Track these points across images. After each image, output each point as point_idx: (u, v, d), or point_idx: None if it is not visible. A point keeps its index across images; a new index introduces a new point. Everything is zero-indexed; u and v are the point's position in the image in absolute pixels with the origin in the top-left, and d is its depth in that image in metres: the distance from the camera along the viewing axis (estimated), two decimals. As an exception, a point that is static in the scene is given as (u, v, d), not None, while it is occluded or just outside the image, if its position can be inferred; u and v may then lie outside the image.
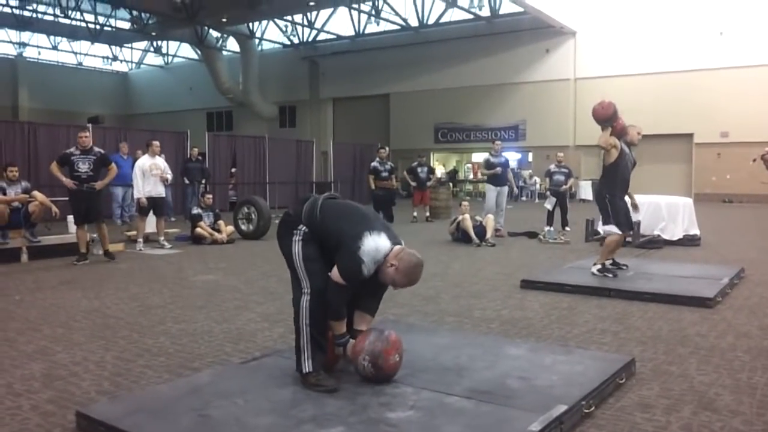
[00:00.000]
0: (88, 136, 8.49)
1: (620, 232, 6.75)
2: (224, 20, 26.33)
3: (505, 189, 11.69)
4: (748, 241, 10.74)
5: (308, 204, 3.41)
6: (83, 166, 8.27)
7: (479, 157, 29.21)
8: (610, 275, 6.61)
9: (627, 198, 6.99)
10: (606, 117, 6.56)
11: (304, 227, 3.36)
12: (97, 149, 8.61)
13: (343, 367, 3.54)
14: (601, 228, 7.77)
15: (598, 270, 6.70)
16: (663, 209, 10.09)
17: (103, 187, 8.81)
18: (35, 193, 8.64)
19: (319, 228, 3.35)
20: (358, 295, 3.44)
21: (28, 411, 3.19)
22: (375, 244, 3.19)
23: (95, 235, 8.74)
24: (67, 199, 8.73)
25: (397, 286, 3.32)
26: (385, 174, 12.86)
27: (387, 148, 14.57)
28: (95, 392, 3.47)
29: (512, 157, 22.34)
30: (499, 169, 11.37)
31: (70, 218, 10.12)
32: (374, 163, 13.38)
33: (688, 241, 9.97)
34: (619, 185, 6.80)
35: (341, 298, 3.30)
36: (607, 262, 6.87)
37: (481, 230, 10.21)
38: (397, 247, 3.28)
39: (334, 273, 3.22)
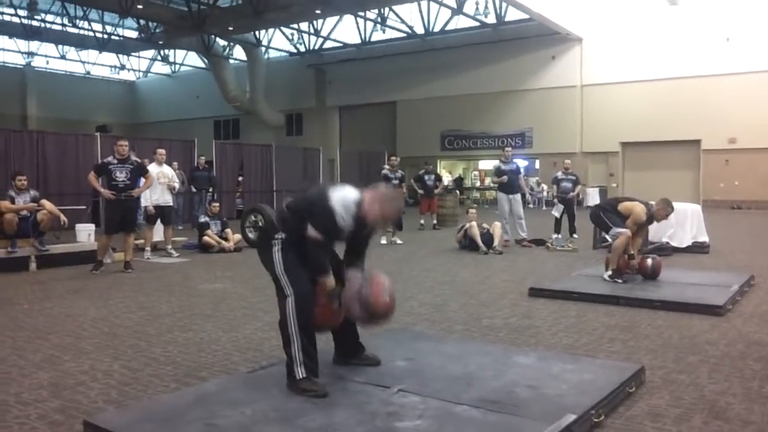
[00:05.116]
0: (127, 145, 8.53)
1: (627, 232, 6.83)
2: (231, 29, 26.45)
3: (519, 196, 11.38)
4: (758, 248, 10.67)
5: (276, 211, 3.61)
6: (121, 175, 8.29)
7: (486, 164, 29.24)
8: (620, 281, 6.65)
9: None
10: None
11: (281, 234, 3.47)
12: (133, 158, 8.65)
13: (347, 375, 3.53)
14: (609, 234, 7.76)
15: (609, 276, 6.77)
16: (671, 216, 10.00)
17: (139, 195, 8.80)
18: (44, 201, 8.67)
19: (292, 221, 3.45)
20: (346, 256, 3.62)
21: (36, 420, 3.19)
22: (341, 193, 3.40)
23: (113, 247, 8.74)
24: (77, 207, 8.75)
25: (387, 218, 3.54)
26: (395, 182, 12.85)
27: (398, 157, 14.62)
28: (102, 401, 3.47)
29: (521, 164, 22.20)
30: (505, 177, 11.16)
31: (79, 227, 10.17)
32: (384, 171, 13.38)
33: (697, 248, 9.91)
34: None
35: (322, 254, 3.43)
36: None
37: (488, 238, 10.18)
38: (367, 190, 3.44)
39: (310, 230, 3.33)
